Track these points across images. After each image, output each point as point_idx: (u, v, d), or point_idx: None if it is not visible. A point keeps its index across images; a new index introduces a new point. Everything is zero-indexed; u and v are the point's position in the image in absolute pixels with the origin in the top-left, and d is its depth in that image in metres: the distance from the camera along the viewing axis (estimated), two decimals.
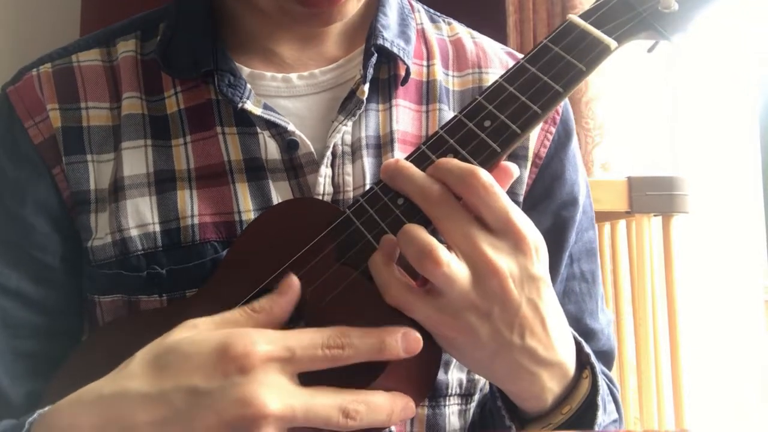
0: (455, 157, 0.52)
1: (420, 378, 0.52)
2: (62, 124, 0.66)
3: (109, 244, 0.63)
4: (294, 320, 0.51)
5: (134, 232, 0.63)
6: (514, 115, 0.52)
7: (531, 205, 0.70)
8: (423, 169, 0.51)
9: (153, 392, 0.44)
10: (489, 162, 0.52)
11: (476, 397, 0.69)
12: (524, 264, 0.49)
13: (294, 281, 0.50)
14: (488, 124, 0.53)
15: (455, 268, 0.47)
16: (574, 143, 0.73)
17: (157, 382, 0.45)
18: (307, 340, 0.46)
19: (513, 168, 0.54)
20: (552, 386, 0.53)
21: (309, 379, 0.46)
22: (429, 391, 0.55)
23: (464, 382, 0.67)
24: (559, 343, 0.52)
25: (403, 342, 0.47)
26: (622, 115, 1.51)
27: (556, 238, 0.70)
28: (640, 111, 1.54)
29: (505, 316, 0.48)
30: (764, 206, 1.59)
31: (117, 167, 0.65)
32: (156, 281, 0.62)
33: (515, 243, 0.49)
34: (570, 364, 0.54)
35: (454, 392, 0.67)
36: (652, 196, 1.13)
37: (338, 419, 0.45)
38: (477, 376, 0.68)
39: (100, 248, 0.63)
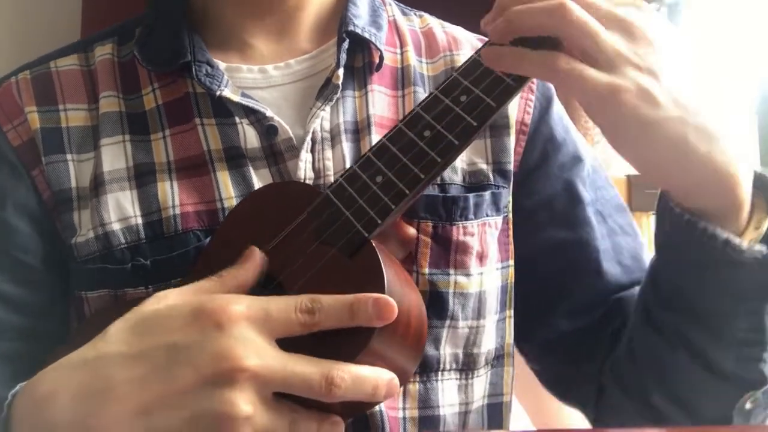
0: (431, 133, 0.53)
1: (404, 358, 0.51)
2: (41, 125, 0.66)
3: (92, 239, 0.64)
4: None
5: (116, 226, 0.63)
6: (489, 89, 0.53)
7: (529, 173, 0.70)
8: (404, 144, 0.53)
9: (133, 352, 0.45)
10: (466, 136, 0.52)
11: (480, 371, 0.68)
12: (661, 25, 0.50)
13: (254, 250, 0.52)
14: (464, 98, 0.53)
15: (596, 24, 0.48)
16: (557, 107, 0.74)
17: (137, 343, 0.46)
18: (281, 303, 0.46)
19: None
20: (745, 169, 0.50)
21: (292, 351, 0.46)
22: (412, 372, 0.54)
23: (461, 356, 0.67)
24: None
25: (375, 307, 0.46)
26: None
27: (569, 197, 0.70)
28: None
29: (670, 70, 0.48)
30: None
31: (97, 164, 0.65)
32: (141, 273, 0.62)
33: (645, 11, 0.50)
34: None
35: (449, 367, 0.66)
36: (651, 195, 1.13)
37: (321, 385, 0.44)
38: (476, 350, 0.67)
39: (83, 244, 0.64)
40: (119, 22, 0.74)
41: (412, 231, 0.59)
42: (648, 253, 0.70)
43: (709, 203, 0.51)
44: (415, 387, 0.65)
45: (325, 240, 0.52)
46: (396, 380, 0.48)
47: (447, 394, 0.66)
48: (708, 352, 0.55)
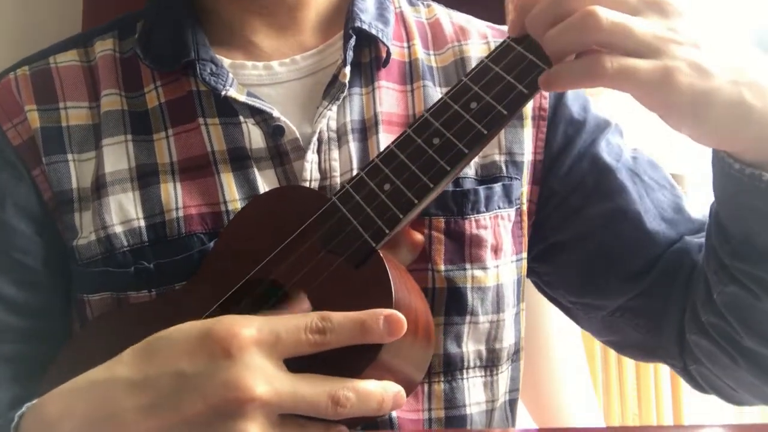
0: (440, 140, 0.52)
1: (410, 368, 0.51)
2: (41, 124, 0.65)
3: (93, 242, 0.63)
4: (281, 311, 0.51)
5: (118, 229, 0.62)
6: (500, 96, 0.51)
7: (555, 157, 0.70)
8: (413, 151, 0.52)
9: (140, 378, 0.45)
10: (476, 144, 0.51)
11: (503, 367, 0.68)
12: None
13: (304, 298, 0.51)
14: (474, 105, 0.52)
15: (626, 18, 0.47)
16: None
17: (144, 368, 0.45)
18: (291, 324, 0.45)
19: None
20: None
21: (298, 369, 0.45)
22: (419, 381, 0.54)
23: (484, 353, 0.66)
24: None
25: (386, 324, 0.45)
26: (621, 112, 1.52)
27: (597, 170, 0.69)
28: (639, 108, 1.54)
29: (703, 36, 0.48)
30: None
31: (98, 165, 0.64)
32: (144, 276, 0.62)
33: None
34: None
35: (473, 365, 0.66)
36: None
37: (327, 406, 0.44)
38: (498, 345, 0.67)
39: (85, 246, 0.63)
40: (121, 15, 0.73)
41: (419, 237, 0.58)
42: (689, 202, 0.70)
43: None
44: (440, 387, 0.65)
45: (332, 249, 0.51)
46: (402, 393, 0.48)
47: (473, 392, 0.66)
48: None
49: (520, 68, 0.51)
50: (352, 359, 0.46)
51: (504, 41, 0.53)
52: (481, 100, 0.52)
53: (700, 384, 0.69)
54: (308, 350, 0.45)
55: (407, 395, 0.49)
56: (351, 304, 0.47)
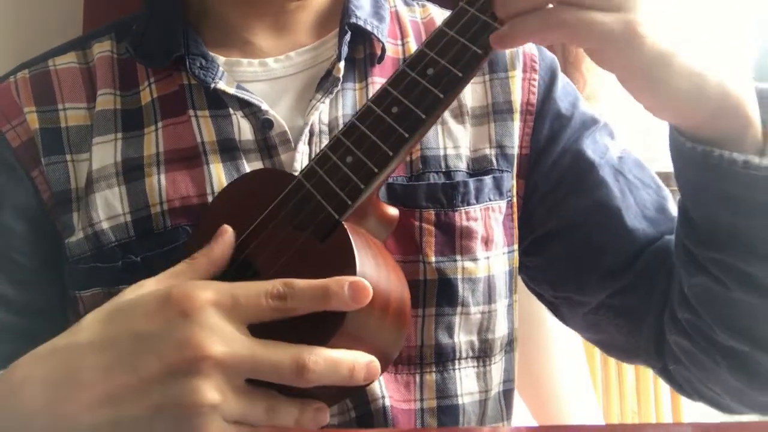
0: (399, 108, 0.51)
1: (383, 341, 0.50)
2: (40, 125, 0.66)
3: (82, 239, 0.64)
4: None
5: (105, 225, 0.63)
6: (455, 60, 0.51)
7: (541, 151, 0.70)
8: (373, 121, 0.52)
9: (99, 339, 0.45)
10: (433, 109, 0.51)
11: (496, 357, 0.68)
12: None
13: (225, 228, 0.52)
14: (431, 71, 0.52)
15: None
16: (561, 81, 0.73)
17: (103, 330, 0.46)
18: (251, 289, 0.45)
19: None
20: (741, 89, 0.50)
21: (264, 337, 0.45)
22: (394, 356, 0.53)
23: (476, 343, 0.67)
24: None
25: (350, 290, 0.45)
26: (620, 111, 1.52)
27: (580, 165, 0.69)
28: (637, 107, 1.54)
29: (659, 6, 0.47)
30: None
31: (90, 163, 0.65)
32: (132, 270, 0.62)
33: None
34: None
35: (465, 355, 0.66)
36: None
37: (291, 370, 0.43)
38: (491, 336, 0.67)
39: (75, 244, 0.64)
40: (121, 16, 0.73)
41: (392, 210, 0.57)
42: (674, 204, 0.70)
43: (724, 128, 0.51)
44: (432, 377, 0.65)
45: (298, 225, 0.51)
46: (376, 362, 0.47)
47: (465, 382, 0.66)
48: (759, 278, 0.54)
49: (473, 30, 0.51)
50: (318, 328, 0.46)
51: (458, 7, 0.53)
52: (437, 65, 0.52)
53: (684, 389, 0.68)
54: (269, 315, 0.45)
55: (383, 370, 0.48)
56: (316, 276, 0.46)
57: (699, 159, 0.52)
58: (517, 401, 0.75)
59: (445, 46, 0.52)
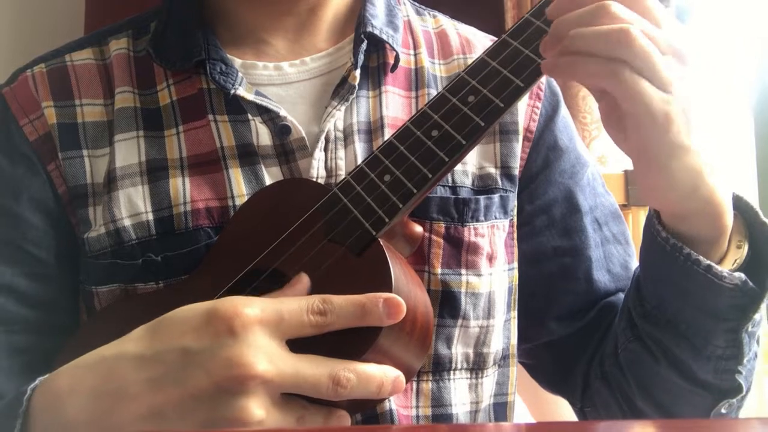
0: (439, 132, 0.53)
1: (409, 355, 0.52)
2: (57, 120, 0.67)
3: (103, 234, 0.64)
4: None
5: (127, 222, 0.64)
6: (497, 90, 0.53)
7: (531, 178, 0.71)
8: (412, 143, 0.53)
9: (147, 353, 0.46)
10: (474, 136, 0.52)
11: (489, 371, 0.69)
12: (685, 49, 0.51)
13: (303, 276, 0.51)
14: (471, 99, 0.53)
15: (656, 50, 0.49)
16: (563, 113, 0.74)
17: (151, 344, 0.47)
18: (293, 305, 0.47)
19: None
20: (726, 198, 0.53)
21: (300, 351, 0.46)
22: (417, 369, 0.55)
23: (471, 355, 0.68)
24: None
25: (385, 307, 0.47)
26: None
27: (568, 205, 0.72)
28: None
29: (695, 102, 0.50)
30: (759, 201, 1.60)
31: (111, 160, 0.66)
32: (152, 269, 0.63)
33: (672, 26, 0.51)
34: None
35: (460, 366, 0.67)
36: None
37: (328, 386, 0.45)
38: (486, 350, 0.68)
39: (95, 239, 0.64)
40: (122, 19, 0.73)
41: (418, 229, 0.59)
42: (636, 261, 0.72)
43: (700, 229, 0.54)
44: (428, 386, 0.66)
45: (333, 238, 0.52)
46: (402, 378, 0.49)
47: (459, 392, 0.67)
48: (688, 364, 0.58)
49: (516, 62, 0.53)
50: (352, 342, 0.47)
51: (500, 38, 0.55)
52: (478, 94, 0.53)
53: None
54: (310, 332, 0.46)
55: (407, 380, 0.50)
56: (351, 290, 0.48)
57: (668, 250, 0.55)
58: (517, 401, 0.75)
59: (487, 76, 0.53)
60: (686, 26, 0.52)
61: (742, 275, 0.53)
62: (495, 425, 0.69)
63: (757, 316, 0.54)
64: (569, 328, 0.71)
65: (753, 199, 1.60)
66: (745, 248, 0.55)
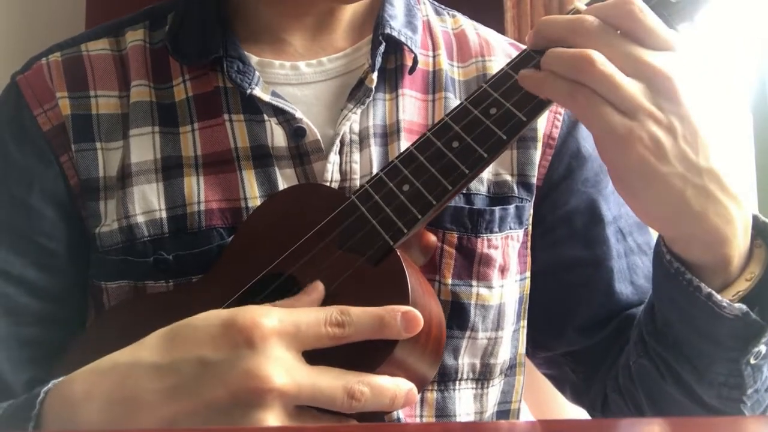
0: (460, 144, 0.52)
1: (422, 367, 0.51)
2: (72, 111, 0.66)
3: (115, 230, 0.63)
4: None
5: (140, 219, 0.63)
6: (520, 104, 0.52)
7: (553, 187, 0.70)
8: (432, 154, 0.53)
9: (163, 362, 0.45)
10: (495, 149, 0.52)
11: (495, 381, 0.69)
12: (692, 70, 0.50)
13: (319, 285, 0.51)
14: (494, 111, 0.53)
15: (619, 76, 0.48)
16: None
17: (167, 353, 0.46)
18: (311, 316, 0.46)
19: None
20: (738, 229, 0.51)
21: (314, 362, 0.46)
22: (429, 380, 0.55)
23: (478, 366, 0.67)
24: (733, 175, 0.51)
25: (403, 321, 0.47)
26: None
27: (590, 215, 0.71)
28: None
29: (687, 127, 0.48)
30: (758, 201, 1.60)
31: (125, 154, 0.65)
32: (162, 267, 0.62)
33: (680, 54, 0.50)
34: (747, 207, 0.52)
35: (466, 377, 0.67)
36: None
37: (343, 399, 0.45)
38: (493, 360, 0.68)
39: (107, 234, 0.64)
40: (124, 15, 0.73)
41: (433, 238, 0.59)
42: None
43: (698, 257, 0.53)
44: (432, 395, 0.66)
45: (350, 247, 0.52)
46: (414, 390, 0.49)
47: (463, 402, 0.67)
48: (693, 387, 0.57)
49: None
50: (368, 355, 0.47)
51: (524, 50, 0.54)
52: (501, 107, 0.52)
53: None
54: (327, 343, 0.46)
55: (419, 391, 0.50)
56: (367, 301, 0.47)
57: (672, 274, 0.54)
58: (524, 411, 0.75)
59: (511, 89, 0.53)
60: (683, 29, 0.51)
61: (743, 306, 0.51)
62: (509, 423, 0.69)
63: (761, 349, 0.52)
64: (590, 339, 0.70)
65: (752, 199, 1.60)
66: (754, 280, 0.53)
